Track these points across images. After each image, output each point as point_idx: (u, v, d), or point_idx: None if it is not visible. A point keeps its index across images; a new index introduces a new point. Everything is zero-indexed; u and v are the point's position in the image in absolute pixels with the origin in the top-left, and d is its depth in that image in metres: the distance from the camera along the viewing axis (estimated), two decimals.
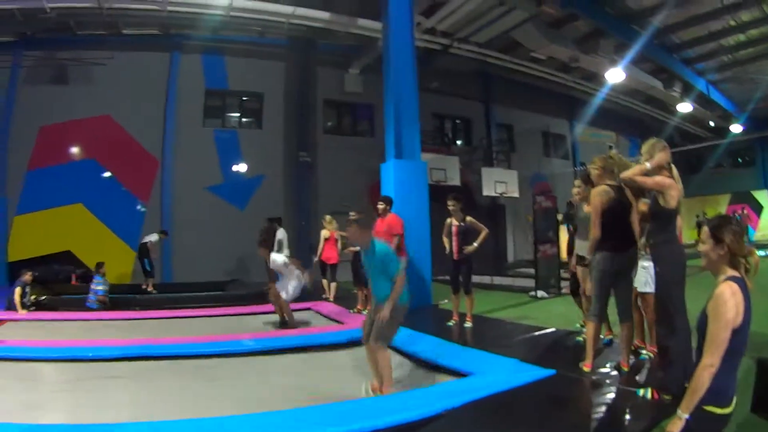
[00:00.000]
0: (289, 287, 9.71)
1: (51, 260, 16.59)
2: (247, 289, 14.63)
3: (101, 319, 10.91)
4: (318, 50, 19.55)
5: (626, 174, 4.88)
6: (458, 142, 23.89)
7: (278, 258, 9.77)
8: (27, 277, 11.94)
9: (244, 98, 20.16)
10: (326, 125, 20.84)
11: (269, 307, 10.56)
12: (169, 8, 15.66)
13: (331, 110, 20.95)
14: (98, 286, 12.36)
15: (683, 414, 2.87)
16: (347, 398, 5.36)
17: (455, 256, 8.66)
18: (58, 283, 15.20)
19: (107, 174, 17.91)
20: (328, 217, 12.34)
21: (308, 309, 11.28)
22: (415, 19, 13.27)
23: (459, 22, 16.80)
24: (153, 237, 15.58)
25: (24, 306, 11.58)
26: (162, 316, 11.16)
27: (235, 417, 4.61)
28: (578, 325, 8.05)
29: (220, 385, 6.15)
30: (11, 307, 11.42)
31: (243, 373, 6.71)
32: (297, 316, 10.15)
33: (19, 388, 5.99)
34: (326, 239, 12.21)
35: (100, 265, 12.84)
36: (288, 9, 15.99)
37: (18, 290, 11.59)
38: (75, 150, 17.91)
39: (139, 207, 18.03)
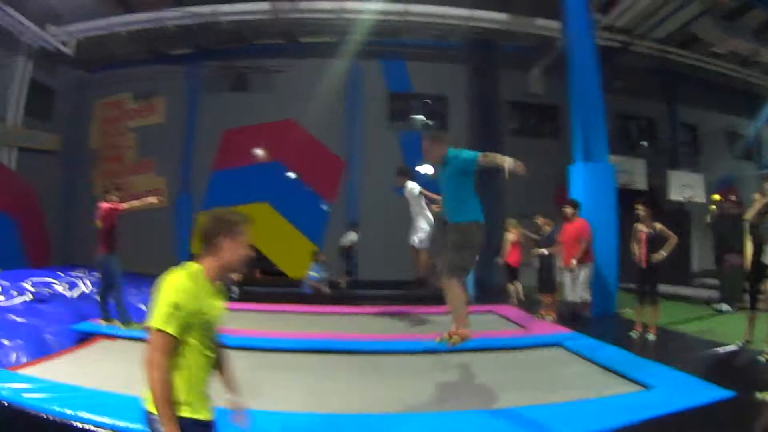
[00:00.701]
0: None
1: None
2: (428, 290, 14.54)
3: (286, 312, 11.50)
4: (498, 51, 19.30)
5: None
6: (643, 144, 22.95)
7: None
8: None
9: (428, 101, 20.33)
10: (511, 127, 20.41)
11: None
12: (344, 16, 16.33)
13: (515, 112, 20.77)
14: (314, 273, 13.41)
15: None
16: (519, 402, 5.39)
17: (643, 265, 8.53)
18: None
19: (293, 175, 18.88)
20: (513, 221, 12.38)
21: (491, 312, 11.19)
22: (592, 16, 13.19)
23: (636, 18, 16.34)
24: (352, 237, 16.04)
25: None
26: (344, 312, 11.59)
27: (391, 415, 5.01)
28: (738, 343, 7.93)
29: (397, 382, 6.32)
30: None
31: (418, 371, 6.83)
32: (479, 318, 9.91)
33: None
34: (511, 242, 12.24)
35: (317, 253, 13.95)
36: (464, 12, 16.16)
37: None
38: (259, 152, 19.12)
39: (324, 206, 18.83)
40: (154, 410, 2.61)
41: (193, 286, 2.78)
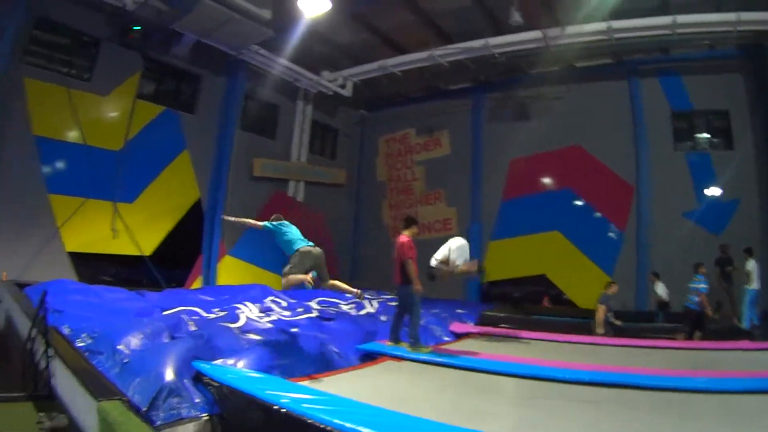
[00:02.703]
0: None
1: (523, 282, 19.14)
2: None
3: (581, 343, 11.38)
4: None
5: None
6: None
7: None
8: (614, 289, 13.14)
9: (710, 117, 18.82)
10: None
11: (731, 343, 10.57)
12: (615, 36, 16.58)
13: None
14: (700, 284, 12.98)
15: None
16: None
17: None
18: (531, 304, 17.37)
19: (582, 202, 19.54)
20: None
21: None
22: None
23: None
24: (661, 290, 15.72)
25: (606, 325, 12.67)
26: (617, 344, 11.26)
27: None
28: None
29: (675, 423, 5.91)
30: (594, 326, 12.67)
31: (704, 413, 6.16)
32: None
33: (477, 396, 6.91)
34: None
35: (700, 264, 13.40)
36: (732, 16, 15.60)
37: (603, 307, 12.70)
38: (548, 180, 20.11)
39: (611, 234, 18.80)
40: None
41: None
